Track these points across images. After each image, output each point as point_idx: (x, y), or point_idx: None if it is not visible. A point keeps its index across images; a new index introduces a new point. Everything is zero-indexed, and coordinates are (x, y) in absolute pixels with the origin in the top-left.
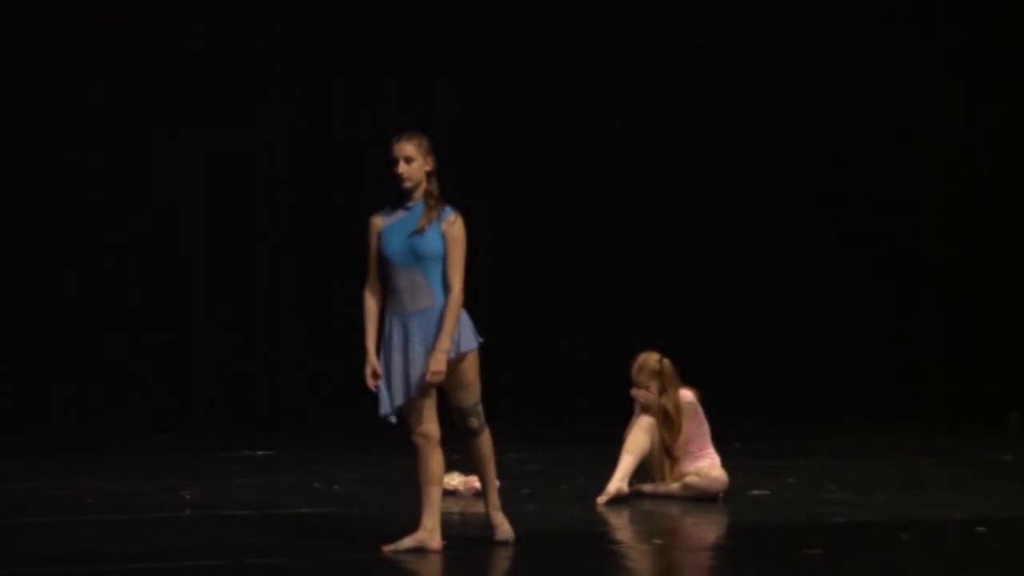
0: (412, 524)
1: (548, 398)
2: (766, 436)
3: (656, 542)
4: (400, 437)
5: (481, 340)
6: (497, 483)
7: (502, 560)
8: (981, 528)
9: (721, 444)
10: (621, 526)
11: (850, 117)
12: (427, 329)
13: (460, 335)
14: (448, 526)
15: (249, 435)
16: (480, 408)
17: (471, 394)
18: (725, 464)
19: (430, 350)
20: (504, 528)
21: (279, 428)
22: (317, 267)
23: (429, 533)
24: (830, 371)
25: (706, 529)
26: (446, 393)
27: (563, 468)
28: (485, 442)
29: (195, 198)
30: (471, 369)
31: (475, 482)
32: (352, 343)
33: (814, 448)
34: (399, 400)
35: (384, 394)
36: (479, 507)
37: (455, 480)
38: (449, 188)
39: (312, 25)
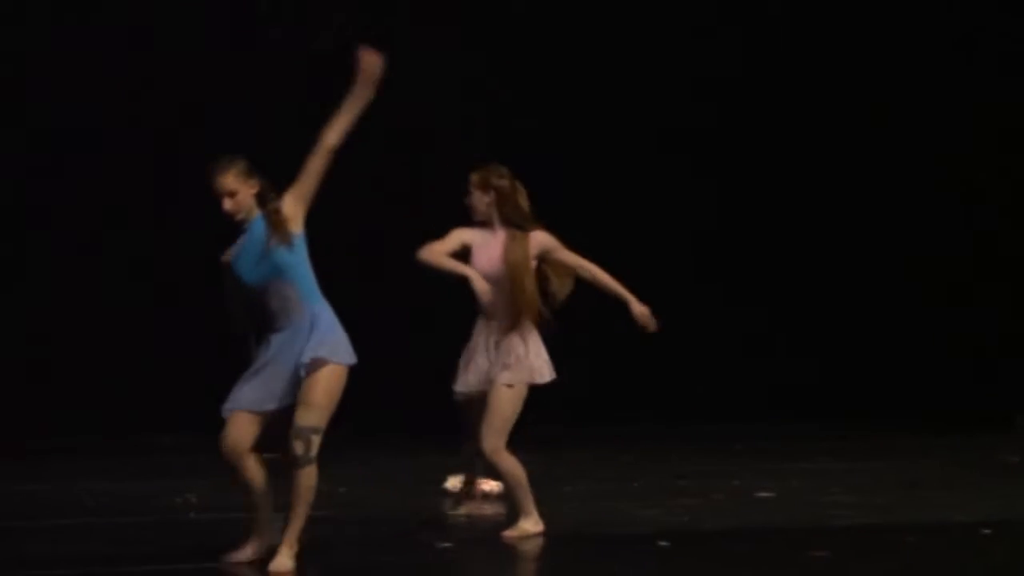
0: (415, 524)
1: (554, 400)
2: (769, 438)
3: (661, 544)
4: (407, 440)
5: (353, 361)
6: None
7: (507, 562)
8: (986, 530)
9: (724, 445)
10: (626, 528)
11: (865, 115)
12: (302, 343)
13: (330, 343)
14: (454, 528)
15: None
16: (314, 438)
17: (312, 415)
18: (726, 466)
19: (299, 366)
20: (282, 561)
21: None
22: (322, 266)
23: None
24: (833, 372)
25: (712, 531)
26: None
27: (566, 471)
28: (308, 476)
29: (197, 195)
30: (323, 386)
31: (482, 484)
32: (357, 344)
33: (817, 450)
34: (243, 404)
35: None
36: (486, 509)
37: (459, 482)
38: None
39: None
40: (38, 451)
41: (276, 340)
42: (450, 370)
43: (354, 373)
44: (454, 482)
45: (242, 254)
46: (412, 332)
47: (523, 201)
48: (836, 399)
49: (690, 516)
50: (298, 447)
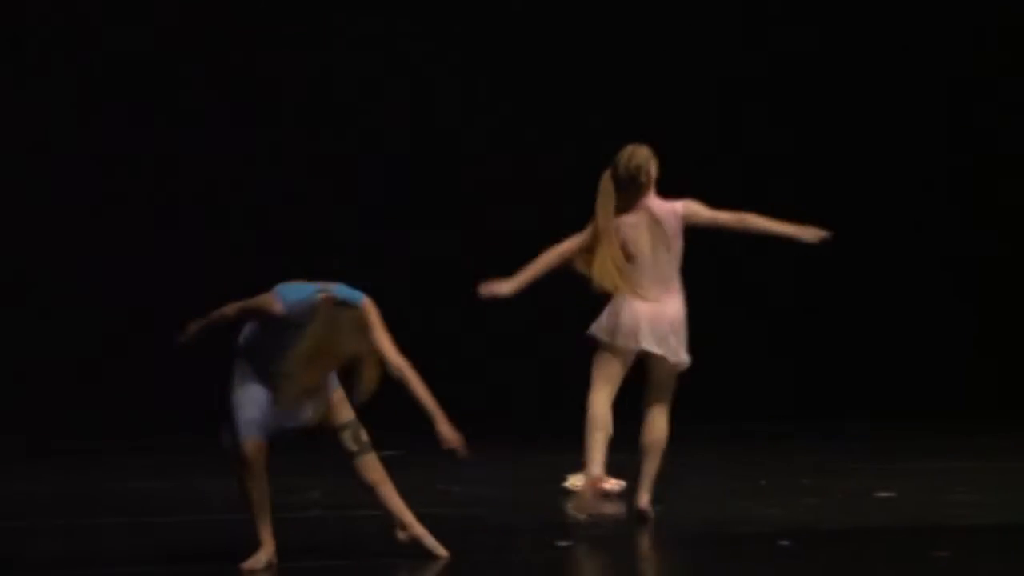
0: (529, 524)
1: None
2: (888, 437)
3: (782, 543)
4: (520, 439)
5: None
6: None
7: (627, 560)
8: None
9: (841, 444)
10: (748, 527)
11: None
12: None
13: None
14: (576, 526)
15: (377, 434)
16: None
17: (349, 408)
18: (848, 464)
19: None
20: (435, 543)
21: (405, 428)
22: (424, 274)
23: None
24: (950, 370)
25: (832, 531)
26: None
27: (692, 469)
28: (378, 461)
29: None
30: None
31: (603, 483)
32: (464, 342)
33: (938, 449)
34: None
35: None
36: (606, 508)
37: (581, 481)
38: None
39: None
40: (164, 449)
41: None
42: (564, 368)
43: (460, 371)
44: (574, 480)
45: None
46: (524, 333)
47: (602, 198)
48: (955, 398)
49: (812, 515)
50: (364, 434)
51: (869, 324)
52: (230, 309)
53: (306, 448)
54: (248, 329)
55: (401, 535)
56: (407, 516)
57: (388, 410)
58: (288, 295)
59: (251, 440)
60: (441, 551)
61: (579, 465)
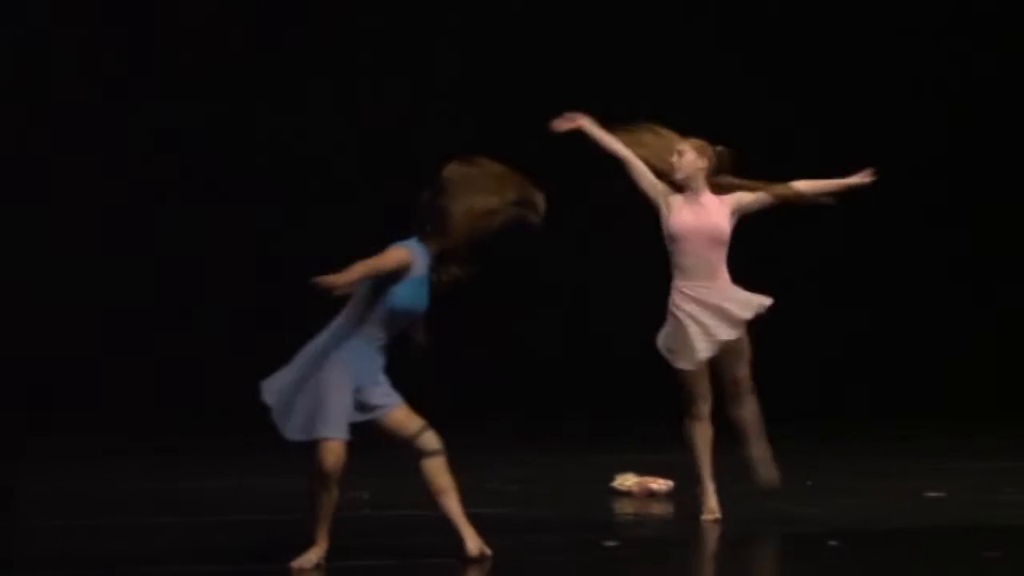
0: (582, 523)
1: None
2: (937, 437)
3: (831, 543)
4: (566, 439)
5: None
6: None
7: (674, 560)
8: None
9: (895, 444)
10: (796, 527)
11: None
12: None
13: None
14: (623, 526)
15: None
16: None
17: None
18: (896, 464)
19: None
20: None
21: (457, 429)
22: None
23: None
24: (999, 370)
25: (882, 531)
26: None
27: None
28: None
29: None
30: None
31: (649, 483)
32: (515, 343)
33: (989, 449)
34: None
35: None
36: (653, 508)
37: (629, 481)
38: None
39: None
40: (220, 451)
41: (374, 358)
42: (603, 370)
43: (516, 373)
44: (621, 480)
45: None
46: (569, 334)
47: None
48: (1006, 398)
49: (860, 515)
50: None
51: (869, 324)
52: (367, 267)
53: (356, 449)
54: (354, 307)
55: (472, 548)
56: (467, 528)
57: (433, 411)
58: (404, 242)
59: (333, 445)
60: (487, 551)
61: (626, 465)
